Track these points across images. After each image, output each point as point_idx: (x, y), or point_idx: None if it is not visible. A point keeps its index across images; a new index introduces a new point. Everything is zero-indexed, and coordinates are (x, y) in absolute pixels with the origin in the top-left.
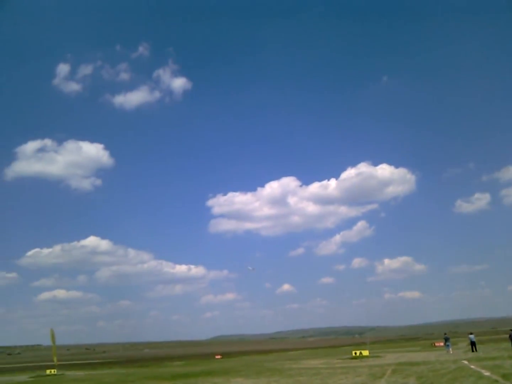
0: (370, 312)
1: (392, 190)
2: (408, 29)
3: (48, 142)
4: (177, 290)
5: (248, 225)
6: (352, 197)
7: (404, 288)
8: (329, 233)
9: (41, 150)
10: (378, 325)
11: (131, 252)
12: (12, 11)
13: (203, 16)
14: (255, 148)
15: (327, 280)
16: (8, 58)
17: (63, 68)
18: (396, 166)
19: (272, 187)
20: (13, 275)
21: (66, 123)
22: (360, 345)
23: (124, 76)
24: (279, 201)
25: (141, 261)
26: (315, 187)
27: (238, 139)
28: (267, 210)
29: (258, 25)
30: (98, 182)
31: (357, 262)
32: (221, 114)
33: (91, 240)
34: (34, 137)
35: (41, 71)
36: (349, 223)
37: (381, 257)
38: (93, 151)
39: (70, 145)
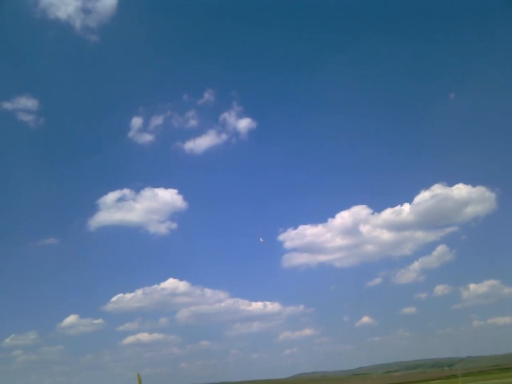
0: (458, 342)
1: (471, 211)
2: (473, 43)
3: (126, 191)
4: (255, 328)
5: (321, 258)
6: (428, 221)
7: (494, 314)
8: (407, 260)
9: (121, 199)
10: (469, 356)
11: (208, 291)
12: (89, 74)
13: (262, 58)
14: (323, 179)
15: (408, 310)
16: (89, 117)
17: (136, 121)
18: (473, 185)
19: (343, 217)
20: (99, 321)
21: (142, 172)
22: (451, 378)
23: (192, 122)
24: (351, 230)
25: (218, 300)
26: (387, 214)
27: (305, 171)
28: (339, 241)
29: (317, 51)
30: (174, 225)
31: (439, 289)
32: (286, 148)
33: (170, 282)
34: (114, 188)
35: (117, 126)
36: (428, 248)
37: (465, 282)
38: (168, 197)
39: (147, 192)
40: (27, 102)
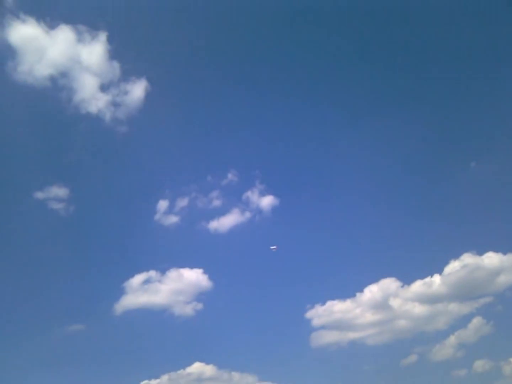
0: None
1: (505, 279)
2: (492, 111)
3: (152, 273)
4: None
5: (352, 335)
6: (461, 292)
7: None
8: (442, 335)
9: (147, 281)
10: None
11: (236, 375)
12: (118, 162)
13: (283, 136)
14: (349, 252)
15: None
16: (117, 203)
17: (163, 204)
18: (504, 253)
19: (372, 291)
20: None
21: (167, 253)
22: None
23: (217, 202)
24: (381, 305)
25: None
26: (418, 286)
27: (330, 245)
28: (369, 317)
29: (336, 126)
30: (199, 306)
31: (479, 365)
32: (310, 223)
33: (196, 367)
34: (140, 271)
35: (144, 209)
36: (463, 321)
37: (506, 356)
38: (193, 277)
39: (172, 273)
40: (58, 191)
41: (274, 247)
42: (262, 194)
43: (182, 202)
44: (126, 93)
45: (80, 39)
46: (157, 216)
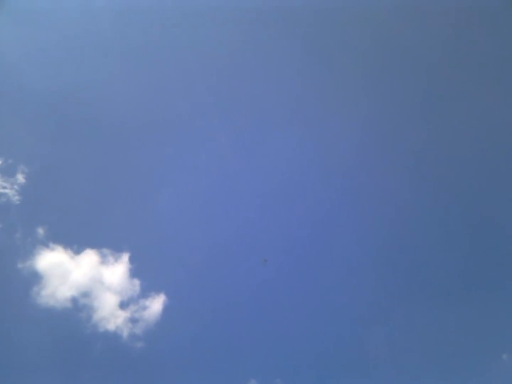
0: None
1: None
2: None
3: None
4: None
5: None
6: None
7: None
8: None
9: None
10: None
11: None
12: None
13: (303, 345)
14: None
15: None
16: None
17: None
18: None
19: None
20: None
21: None
22: None
23: None
24: None
25: None
26: None
27: None
28: None
29: (365, 322)
30: None
31: None
32: None
33: None
34: None
35: None
36: None
37: None
38: None
39: None
40: None
41: (265, 260)
42: None
43: None
44: (144, 308)
45: (103, 261)
46: None
